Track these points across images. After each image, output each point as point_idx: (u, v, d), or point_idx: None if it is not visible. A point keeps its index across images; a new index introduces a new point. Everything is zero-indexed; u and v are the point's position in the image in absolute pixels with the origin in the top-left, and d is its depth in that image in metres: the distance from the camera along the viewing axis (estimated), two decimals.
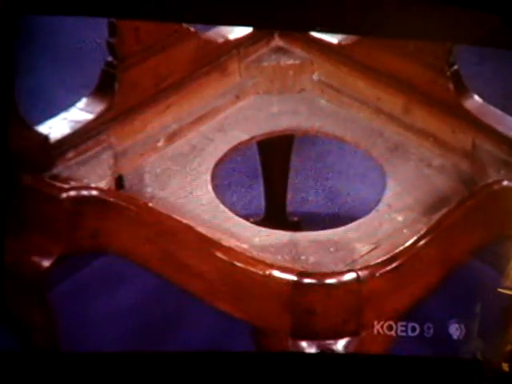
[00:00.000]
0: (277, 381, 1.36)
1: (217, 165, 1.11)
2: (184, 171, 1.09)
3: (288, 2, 1.31)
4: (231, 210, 1.10)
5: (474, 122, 1.20)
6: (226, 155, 1.12)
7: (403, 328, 1.37)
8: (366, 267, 1.07)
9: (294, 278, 1.04)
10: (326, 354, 1.32)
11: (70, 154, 1.02)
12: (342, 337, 1.08)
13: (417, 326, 1.39)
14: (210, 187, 1.09)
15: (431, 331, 1.43)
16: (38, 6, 1.24)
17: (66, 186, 1.00)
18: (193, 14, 1.25)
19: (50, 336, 1.04)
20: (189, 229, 1.03)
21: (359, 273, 1.06)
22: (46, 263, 0.99)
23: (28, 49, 1.06)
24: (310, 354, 1.28)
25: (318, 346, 1.08)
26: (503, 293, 1.46)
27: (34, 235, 1.00)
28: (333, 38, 1.20)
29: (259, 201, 1.22)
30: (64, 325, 1.04)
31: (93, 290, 1.07)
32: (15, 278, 1.02)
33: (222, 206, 1.08)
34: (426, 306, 1.44)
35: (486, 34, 1.38)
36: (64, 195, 0.99)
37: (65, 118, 1.03)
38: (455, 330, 1.49)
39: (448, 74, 1.19)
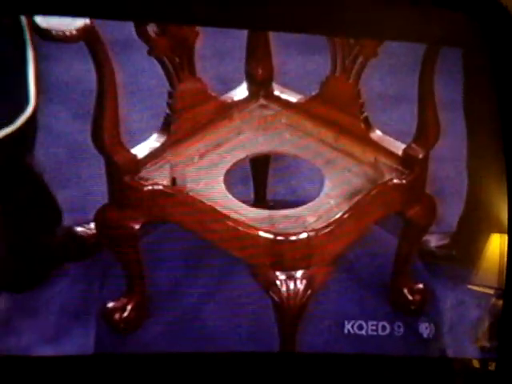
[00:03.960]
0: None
1: (227, 172, 1.54)
2: (208, 176, 1.53)
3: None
4: (235, 197, 1.52)
5: (376, 146, 1.60)
6: (231, 167, 1.55)
7: (374, 327, 1.56)
8: (313, 230, 1.48)
9: (271, 236, 1.47)
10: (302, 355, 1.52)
11: (148, 165, 1.48)
12: (299, 269, 1.48)
13: (387, 324, 1.58)
14: (223, 185, 1.51)
15: (401, 330, 1.57)
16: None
17: (146, 183, 1.46)
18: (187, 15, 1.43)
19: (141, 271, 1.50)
20: (211, 208, 1.47)
21: (309, 233, 1.48)
22: (137, 226, 1.46)
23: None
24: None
25: (286, 274, 1.48)
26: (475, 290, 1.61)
27: (129, 211, 1.46)
28: (293, 98, 1.63)
29: (250, 193, 1.67)
30: (147, 261, 1.50)
31: (160, 241, 1.54)
32: (117, 237, 1.49)
33: (230, 195, 1.51)
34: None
35: (453, 33, 1.53)
36: (145, 188, 1.45)
37: (145, 145, 1.50)
38: (425, 329, 1.59)
39: (361, 118, 1.60)
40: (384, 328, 1.56)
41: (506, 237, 1.58)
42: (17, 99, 1.38)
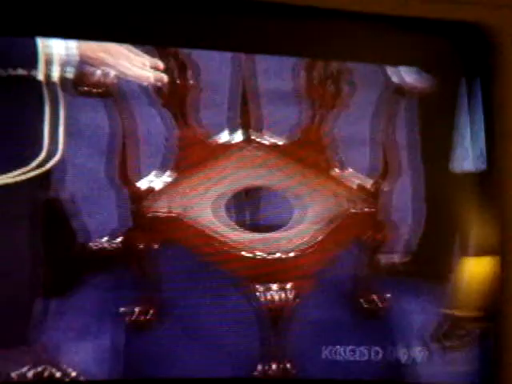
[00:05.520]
0: None
1: (214, 201, 1.73)
2: (198, 205, 1.73)
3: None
4: (222, 223, 1.73)
5: (347, 183, 1.80)
6: (218, 197, 1.75)
7: (352, 352, 1.64)
8: (290, 251, 1.68)
9: (252, 255, 1.68)
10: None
11: (149, 196, 1.70)
12: (286, 283, 1.67)
13: (365, 350, 1.65)
14: (211, 213, 1.72)
15: (379, 355, 1.64)
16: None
17: (148, 211, 1.69)
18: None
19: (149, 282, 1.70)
20: (202, 232, 1.69)
21: (286, 255, 1.68)
22: (142, 246, 1.68)
23: None
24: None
25: (278, 286, 1.66)
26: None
27: (134, 234, 1.69)
28: (271, 141, 1.80)
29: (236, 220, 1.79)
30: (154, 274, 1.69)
31: (166, 258, 1.71)
32: (127, 255, 1.69)
33: (216, 222, 1.72)
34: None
35: (435, 58, 1.57)
36: (147, 215, 1.69)
37: (147, 180, 1.71)
38: (403, 354, 1.64)
39: (335, 159, 1.80)
40: (362, 354, 1.66)
41: (486, 259, 1.71)
42: (33, 147, 1.65)
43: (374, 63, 1.67)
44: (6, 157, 1.60)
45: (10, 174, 1.60)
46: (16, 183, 1.61)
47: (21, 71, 1.54)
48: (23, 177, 1.62)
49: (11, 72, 1.53)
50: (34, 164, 1.64)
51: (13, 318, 1.69)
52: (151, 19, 1.48)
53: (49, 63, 1.56)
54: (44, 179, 1.67)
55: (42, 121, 1.64)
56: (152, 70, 1.63)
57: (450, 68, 1.64)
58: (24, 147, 1.63)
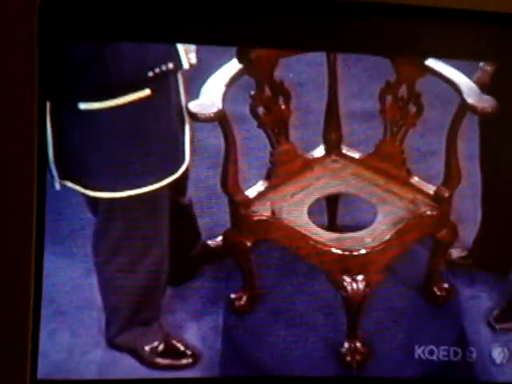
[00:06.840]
0: None
1: (309, 206, 1.92)
2: (297, 209, 1.91)
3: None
4: (315, 224, 1.90)
5: (414, 188, 1.97)
6: (312, 202, 1.93)
7: (445, 353, 1.67)
8: (370, 247, 1.82)
9: (340, 251, 1.83)
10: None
11: (256, 202, 1.89)
12: (360, 274, 1.82)
13: (459, 350, 1.68)
14: (307, 215, 1.88)
15: (474, 355, 1.67)
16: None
17: (255, 214, 1.88)
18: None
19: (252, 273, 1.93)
20: (298, 231, 1.84)
21: (367, 250, 1.82)
22: (249, 243, 1.88)
23: None
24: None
25: (350, 278, 1.82)
26: None
27: (243, 233, 1.88)
28: (356, 155, 2.01)
29: (325, 220, 2.03)
30: (256, 266, 1.93)
31: (264, 253, 1.94)
32: (236, 250, 1.94)
33: (311, 223, 1.88)
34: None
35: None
36: (254, 218, 1.87)
37: (254, 189, 1.92)
38: (498, 354, 1.64)
39: (404, 168, 1.98)
40: (456, 353, 1.72)
41: None
42: (178, 157, 1.92)
43: (458, 59, 1.79)
44: (160, 166, 1.86)
45: (164, 182, 1.88)
46: (161, 188, 1.89)
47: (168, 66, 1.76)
48: (165, 183, 1.90)
49: (157, 70, 1.75)
50: (179, 172, 1.91)
51: (150, 301, 2.01)
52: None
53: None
54: (175, 185, 1.96)
55: (183, 130, 1.92)
56: None
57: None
58: (176, 155, 1.90)
